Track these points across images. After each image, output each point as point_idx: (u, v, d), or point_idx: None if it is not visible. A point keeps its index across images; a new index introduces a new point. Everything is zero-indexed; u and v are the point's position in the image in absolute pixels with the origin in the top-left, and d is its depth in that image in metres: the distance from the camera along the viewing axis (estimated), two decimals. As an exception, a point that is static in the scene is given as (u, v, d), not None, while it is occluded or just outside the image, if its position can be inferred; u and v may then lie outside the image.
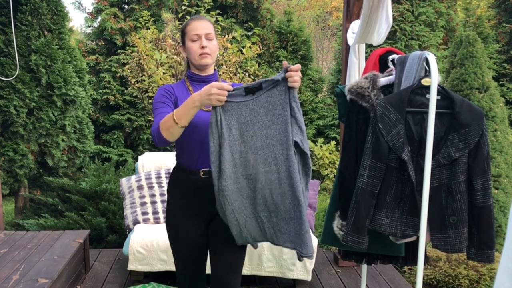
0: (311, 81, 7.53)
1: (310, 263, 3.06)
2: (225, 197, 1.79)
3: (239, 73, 5.39)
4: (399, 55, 2.25)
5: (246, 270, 3.09)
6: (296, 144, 1.79)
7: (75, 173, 5.38)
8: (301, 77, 1.80)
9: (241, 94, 1.79)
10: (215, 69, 2.06)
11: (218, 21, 5.70)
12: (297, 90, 1.80)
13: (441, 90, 2.05)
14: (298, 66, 1.77)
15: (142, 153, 6.34)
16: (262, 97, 1.79)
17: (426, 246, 2.13)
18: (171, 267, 3.11)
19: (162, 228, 3.24)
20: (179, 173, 2.02)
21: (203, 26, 1.93)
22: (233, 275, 1.96)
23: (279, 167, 1.79)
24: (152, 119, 5.81)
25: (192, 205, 1.98)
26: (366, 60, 2.69)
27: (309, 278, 3.08)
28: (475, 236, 2.07)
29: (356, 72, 3.12)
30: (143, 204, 3.44)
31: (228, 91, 1.74)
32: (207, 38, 1.94)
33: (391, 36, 6.64)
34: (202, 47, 1.93)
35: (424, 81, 2.03)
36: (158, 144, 1.86)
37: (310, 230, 1.85)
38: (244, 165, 1.80)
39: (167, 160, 3.72)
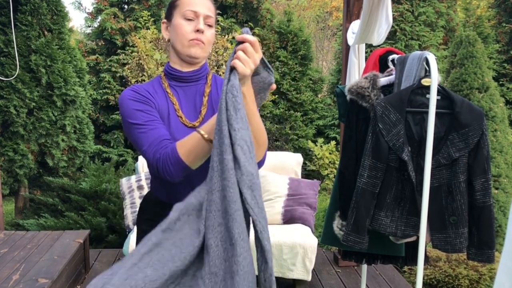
0: (311, 81, 7.53)
1: (310, 263, 3.06)
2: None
3: (239, 73, 5.38)
4: (399, 55, 2.25)
5: (246, 270, 3.08)
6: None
7: (75, 173, 5.38)
8: (252, 53, 1.15)
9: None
10: (205, 62, 1.47)
11: (218, 21, 5.70)
12: (243, 77, 1.15)
13: (441, 90, 2.05)
14: (252, 39, 1.16)
15: (142, 153, 6.34)
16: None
17: (426, 246, 2.13)
18: (171, 267, 3.11)
19: (162, 228, 3.23)
20: (155, 207, 1.47)
21: (204, 3, 1.37)
22: None
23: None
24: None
25: None
26: (366, 60, 2.69)
27: (309, 278, 3.08)
28: (475, 236, 2.07)
29: (356, 72, 3.12)
30: (143, 204, 3.44)
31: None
32: (206, 22, 1.38)
33: (391, 36, 6.64)
34: (198, 31, 1.35)
35: (424, 81, 2.03)
36: (173, 177, 1.26)
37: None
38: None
39: (167, 160, 3.72)
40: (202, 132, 1.22)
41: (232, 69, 1.15)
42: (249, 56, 1.14)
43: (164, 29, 1.44)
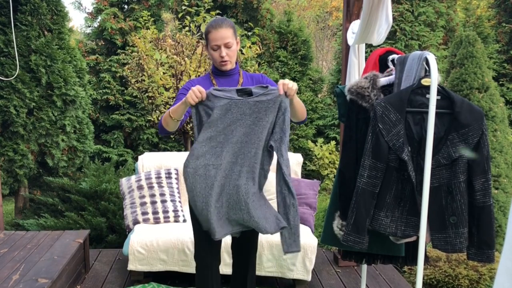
0: (311, 81, 7.52)
1: (310, 263, 3.06)
2: (187, 174, 2.03)
3: (239, 73, 5.37)
4: (399, 55, 2.25)
5: (246, 270, 3.09)
6: (271, 147, 2.06)
7: (75, 173, 5.38)
8: (293, 86, 2.01)
9: (234, 93, 2.03)
10: (236, 63, 2.24)
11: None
12: (289, 100, 2.04)
13: (441, 90, 2.05)
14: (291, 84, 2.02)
15: (142, 153, 6.34)
16: (251, 100, 2.02)
17: (426, 246, 2.13)
18: (171, 267, 3.11)
19: (162, 228, 3.24)
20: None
21: (222, 36, 2.11)
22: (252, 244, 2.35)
23: (244, 161, 2.04)
24: (152, 119, 5.83)
25: None
26: (366, 60, 2.69)
27: (309, 278, 3.08)
28: (475, 236, 2.07)
29: (356, 72, 3.12)
30: (143, 204, 3.44)
31: (209, 94, 2.01)
32: (226, 46, 2.12)
33: (391, 36, 6.63)
34: (222, 57, 2.13)
35: (424, 81, 2.03)
36: (160, 132, 2.17)
37: (269, 216, 2.08)
38: (217, 155, 2.03)
39: (167, 160, 3.72)
40: (171, 114, 2.05)
41: (285, 96, 2.03)
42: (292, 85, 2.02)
43: (205, 49, 2.25)
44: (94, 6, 7.02)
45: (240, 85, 2.23)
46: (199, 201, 2.03)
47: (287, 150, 2.07)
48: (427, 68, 2.07)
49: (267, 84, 2.20)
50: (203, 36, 2.25)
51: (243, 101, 2.01)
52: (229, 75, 2.23)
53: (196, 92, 1.96)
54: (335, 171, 6.48)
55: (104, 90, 6.79)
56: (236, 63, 2.24)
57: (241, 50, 5.27)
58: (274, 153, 2.09)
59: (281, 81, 2.00)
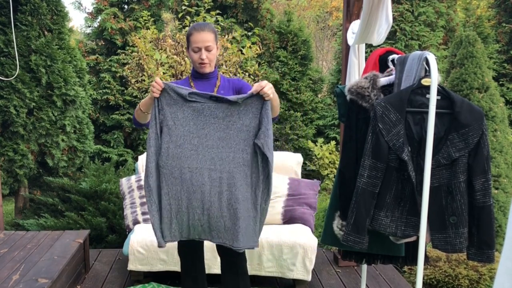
0: (311, 81, 7.52)
1: (310, 263, 3.06)
2: (163, 175, 2.04)
3: (239, 73, 5.39)
4: (399, 55, 2.25)
5: (246, 270, 3.09)
6: (257, 147, 2.03)
7: (75, 173, 5.38)
8: (271, 87, 2.04)
9: (206, 97, 2.07)
10: (215, 67, 2.29)
11: (218, 21, 5.70)
12: (269, 102, 2.06)
13: (441, 90, 2.05)
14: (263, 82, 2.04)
15: (142, 153, 6.34)
16: (225, 104, 2.05)
17: (426, 246, 2.13)
18: (171, 267, 3.11)
19: (162, 228, 3.24)
20: None
21: (203, 39, 2.17)
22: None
23: (223, 167, 2.04)
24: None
25: None
26: (366, 60, 2.69)
27: (309, 278, 3.08)
28: (475, 236, 2.07)
29: (356, 72, 3.12)
30: (143, 204, 3.43)
31: (168, 88, 2.07)
32: (207, 49, 2.19)
33: (391, 36, 6.63)
34: (202, 59, 2.20)
35: (424, 81, 2.04)
36: (134, 124, 2.31)
37: (254, 226, 2.10)
38: (193, 158, 2.04)
39: (167, 160, 3.72)
40: (140, 107, 2.17)
41: (266, 100, 2.03)
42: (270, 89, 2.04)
43: (187, 52, 2.29)
44: (94, 6, 7.02)
45: (217, 87, 2.27)
46: (174, 204, 2.04)
47: (272, 142, 2.08)
48: (427, 68, 2.07)
49: (241, 86, 2.28)
50: (185, 39, 2.38)
51: (215, 105, 2.03)
52: (207, 78, 2.28)
53: (156, 84, 2.04)
54: (335, 171, 6.48)
55: (104, 90, 6.78)
56: (215, 67, 2.30)
57: (241, 50, 5.27)
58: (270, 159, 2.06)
59: (256, 84, 2.02)
